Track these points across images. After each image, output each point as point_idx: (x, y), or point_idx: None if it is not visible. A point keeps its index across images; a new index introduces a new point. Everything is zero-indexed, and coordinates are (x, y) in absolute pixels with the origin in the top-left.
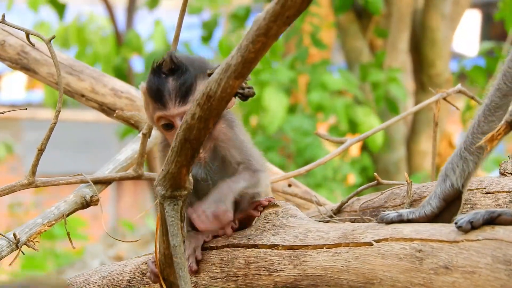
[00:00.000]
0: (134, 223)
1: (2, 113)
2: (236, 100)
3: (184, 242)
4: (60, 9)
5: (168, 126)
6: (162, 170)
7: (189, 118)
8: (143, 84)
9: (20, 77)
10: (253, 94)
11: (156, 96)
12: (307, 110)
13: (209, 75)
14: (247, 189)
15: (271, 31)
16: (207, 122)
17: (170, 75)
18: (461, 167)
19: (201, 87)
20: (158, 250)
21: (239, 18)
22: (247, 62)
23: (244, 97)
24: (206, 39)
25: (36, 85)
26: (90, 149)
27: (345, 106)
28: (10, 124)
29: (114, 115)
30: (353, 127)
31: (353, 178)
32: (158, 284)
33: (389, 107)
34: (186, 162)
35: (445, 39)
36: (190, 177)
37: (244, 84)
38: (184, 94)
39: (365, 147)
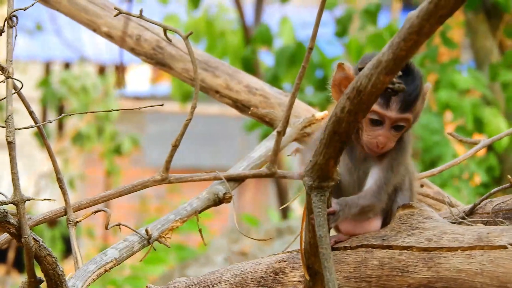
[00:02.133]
0: (258, 219)
1: (139, 108)
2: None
3: (329, 232)
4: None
5: (376, 123)
6: (310, 161)
7: (338, 111)
8: (347, 63)
9: (145, 70)
10: (403, 89)
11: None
12: (435, 108)
13: (360, 69)
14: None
15: (424, 30)
16: (356, 116)
17: (402, 77)
18: None
19: (419, 102)
20: (303, 239)
21: (370, 14)
22: (398, 59)
23: (394, 92)
24: (341, 34)
25: (161, 78)
26: (214, 143)
27: (472, 105)
28: (134, 117)
29: (249, 112)
30: (480, 127)
31: (479, 178)
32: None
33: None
34: (334, 154)
35: None
36: (338, 169)
37: (394, 79)
38: (409, 102)
39: (491, 147)
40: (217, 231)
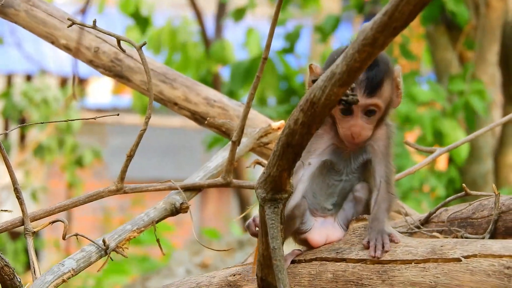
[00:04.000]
0: (219, 231)
1: (94, 118)
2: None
3: (283, 243)
4: (143, 23)
5: (346, 112)
6: (263, 173)
7: (292, 123)
8: (316, 65)
9: (107, 82)
10: (356, 102)
11: None
12: (395, 120)
13: (313, 81)
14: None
15: (378, 42)
16: (310, 128)
17: None
18: None
19: (387, 86)
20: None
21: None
22: (352, 71)
23: (348, 104)
24: (288, 51)
25: (122, 90)
26: (175, 155)
27: (432, 118)
28: (96, 129)
29: (206, 122)
30: (439, 139)
31: (440, 191)
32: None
33: (467, 118)
34: (288, 166)
35: None
36: (291, 181)
37: (348, 92)
38: (374, 87)
39: (451, 160)
40: (179, 243)
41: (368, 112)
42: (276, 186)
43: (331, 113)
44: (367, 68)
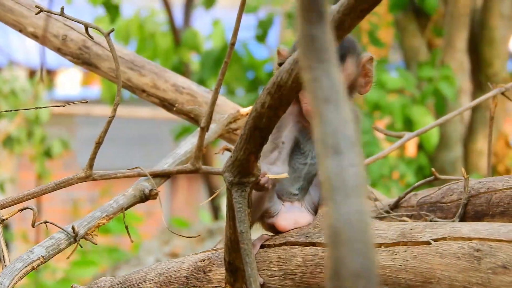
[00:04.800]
0: (188, 220)
1: (63, 105)
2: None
3: (250, 228)
4: (113, 11)
5: None
6: (231, 157)
7: (259, 106)
8: (284, 47)
9: (76, 73)
10: None
11: None
12: (364, 108)
13: (280, 65)
14: None
15: (344, 24)
16: (277, 111)
17: None
18: None
19: (350, 65)
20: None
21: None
22: None
23: None
24: (261, 38)
25: (91, 81)
26: (144, 145)
27: (401, 106)
28: (64, 120)
29: (174, 109)
30: (409, 126)
31: (409, 177)
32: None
33: (437, 105)
34: (255, 150)
35: (503, 38)
36: (259, 164)
37: None
38: None
39: (421, 147)
40: (148, 234)
41: None
42: (243, 170)
43: None
44: None
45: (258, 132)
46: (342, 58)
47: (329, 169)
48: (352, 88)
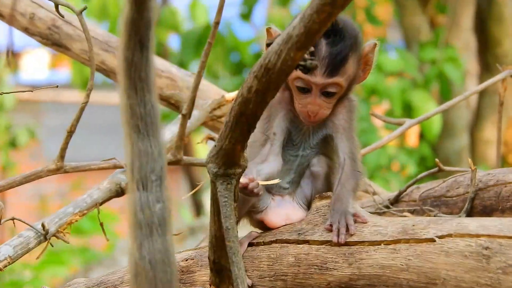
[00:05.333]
0: None
1: (31, 91)
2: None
3: (237, 224)
4: None
5: (304, 90)
6: (215, 146)
7: (245, 92)
8: (274, 27)
9: (43, 55)
10: (316, 67)
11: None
12: (361, 93)
13: (268, 45)
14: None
15: (338, 1)
16: (265, 96)
17: (326, 38)
18: None
19: (352, 63)
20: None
21: None
22: (310, 33)
23: (306, 69)
24: (246, 16)
25: (60, 64)
26: (118, 134)
27: (401, 90)
28: (30, 107)
29: None
30: (409, 113)
31: (411, 169)
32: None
33: (442, 89)
34: (242, 138)
35: None
36: (245, 154)
37: (306, 56)
38: (336, 65)
39: (423, 136)
40: (123, 233)
41: (327, 93)
42: (229, 160)
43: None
44: (331, 42)
45: (245, 119)
46: (343, 60)
47: (135, 204)
48: (352, 82)
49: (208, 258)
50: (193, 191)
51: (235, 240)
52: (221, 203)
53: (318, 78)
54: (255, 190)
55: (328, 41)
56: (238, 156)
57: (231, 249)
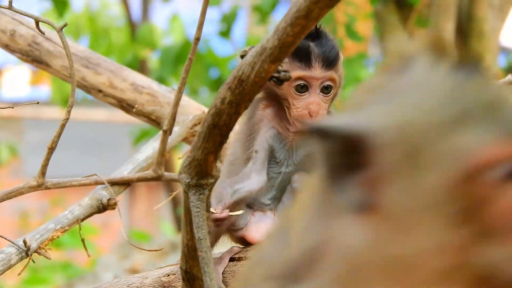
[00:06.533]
0: (149, 233)
1: (12, 107)
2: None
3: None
4: (61, 5)
5: (303, 88)
6: (188, 156)
7: (218, 103)
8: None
9: (23, 72)
10: (289, 78)
11: (301, 56)
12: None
13: (242, 57)
14: None
15: (312, 14)
16: (238, 108)
17: (314, 40)
18: None
19: (340, 63)
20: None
21: (262, 11)
22: (284, 46)
23: (280, 81)
24: (225, 33)
25: (40, 81)
26: (100, 151)
27: None
28: (11, 123)
29: (134, 110)
30: None
31: None
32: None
33: None
34: (214, 149)
35: (493, 30)
36: (218, 165)
37: (280, 68)
38: (331, 60)
39: None
40: (105, 248)
41: (325, 88)
42: (201, 171)
43: (279, 96)
44: (320, 44)
45: (218, 130)
46: (336, 57)
47: None
48: (339, 86)
49: (180, 268)
50: (165, 201)
51: (207, 251)
52: (193, 213)
53: (317, 72)
54: (226, 221)
55: (318, 42)
56: (210, 167)
57: (203, 259)
